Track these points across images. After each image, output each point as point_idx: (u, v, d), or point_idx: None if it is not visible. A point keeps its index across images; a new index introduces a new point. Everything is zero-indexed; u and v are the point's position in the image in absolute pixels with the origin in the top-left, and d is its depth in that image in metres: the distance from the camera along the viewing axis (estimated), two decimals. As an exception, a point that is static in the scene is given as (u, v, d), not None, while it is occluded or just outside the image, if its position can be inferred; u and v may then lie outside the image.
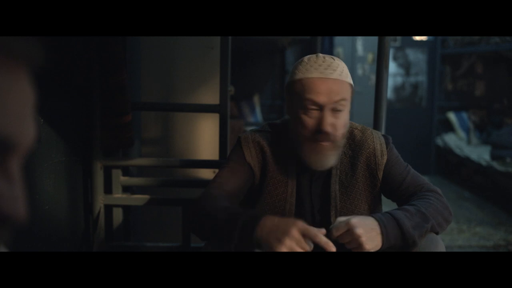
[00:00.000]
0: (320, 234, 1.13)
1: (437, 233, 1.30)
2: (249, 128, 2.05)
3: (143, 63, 2.27)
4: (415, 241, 1.22)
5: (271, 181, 1.38)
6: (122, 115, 1.80)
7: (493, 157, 4.43)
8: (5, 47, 0.39)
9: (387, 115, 1.86)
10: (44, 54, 0.41)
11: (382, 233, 1.20)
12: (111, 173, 1.98)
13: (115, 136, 1.82)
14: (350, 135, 1.43)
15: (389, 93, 5.40)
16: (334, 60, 1.33)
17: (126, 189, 2.04)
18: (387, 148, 1.42)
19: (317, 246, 1.24)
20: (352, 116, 1.42)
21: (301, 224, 1.13)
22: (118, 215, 2.02)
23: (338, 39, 5.12)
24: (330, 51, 5.07)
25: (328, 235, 1.19)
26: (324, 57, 1.33)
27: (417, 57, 5.46)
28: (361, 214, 1.36)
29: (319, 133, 1.28)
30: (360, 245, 1.18)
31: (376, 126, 1.83)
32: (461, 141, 5.26)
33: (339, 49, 5.14)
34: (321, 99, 1.27)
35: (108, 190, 1.98)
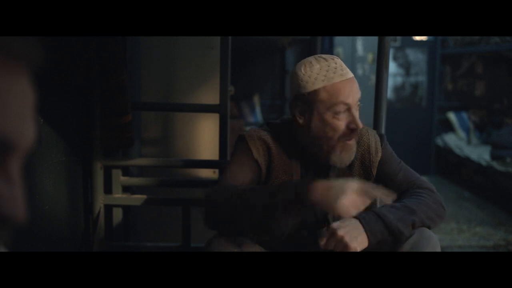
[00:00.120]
0: (374, 189, 1.20)
1: (429, 227, 1.31)
2: (249, 128, 2.05)
3: (143, 63, 2.27)
4: (401, 231, 1.24)
5: (276, 180, 1.38)
6: (122, 115, 1.80)
7: (493, 157, 4.43)
8: (5, 47, 0.39)
9: (387, 115, 1.86)
10: (44, 54, 0.41)
11: (366, 230, 1.22)
12: (111, 173, 1.98)
13: (115, 136, 1.82)
14: None
15: (389, 93, 5.40)
16: (337, 59, 1.36)
17: (126, 189, 2.04)
18: (381, 145, 1.44)
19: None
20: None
21: (355, 183, 1.19)
22: (118, 215, 2.02)
23: (338, 39, 5.12)
24: (330, 51, 5.07)
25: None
26: (332, 59, 1.35)
27: (417, 57, 5.46)
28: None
29: (352, 132, 1.32)
30: (345, 245, 1.19)
31: (376, 126, 1.83)
32: (461, 141, 5.26)
33: (339, 49, 5.14)
34: (350, 99, 1.31)
35: (108, 190, 1.98)
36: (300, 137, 1.38)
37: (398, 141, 5.07)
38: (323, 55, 1.36)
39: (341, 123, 1.31)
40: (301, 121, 1.35)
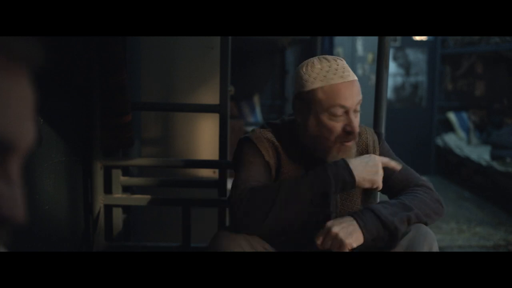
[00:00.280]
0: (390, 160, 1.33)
1: (425, 224, 1.31)
2: (249, 128, 2.05)
3: (143, 63, 2.27)
4: (396, 227, 1.24)
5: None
6: (122, 115, 1.80)
7: (493, 157, 4.43)
8: (5, 47, 0.39)
9: (387, 115, 1.86)
10: (44, 54, 0.41)
11: (360, 226, 1.22)
12: (111, 173, 1.98)
13: (115, 136, 1.82)
14: None
15: (389, 93, 5.40)
16: (342, 61, 1.36)
17: (126, 189, 2.04)
18: (379, 143, 1.46)
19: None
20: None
21: (375, 155, 1.31)
22: (118, 215, 2.02)
23: (338, 39, 5.12)
24: (330, 51, 5.07)
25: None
26: (334, 60, 1.34)
27: (417, 57, 5.45)
28: (354, 207, 1.40)
29: (348, 134, 1.31)
30: (340, 242, 1.20)
31: (376, 126, 1.83)
32: (461, 141, 5.25)
33: (339, 49, 5.14)
34: (348, 102, 1.30)
35: (108, 190, 1.98)
36: (301, 137, 1.39)
37: (398, 141, 5.08)
38: (328, 56, 1.36)
39: (338, 125, 1.31)
40: (299, 119, 1.36)
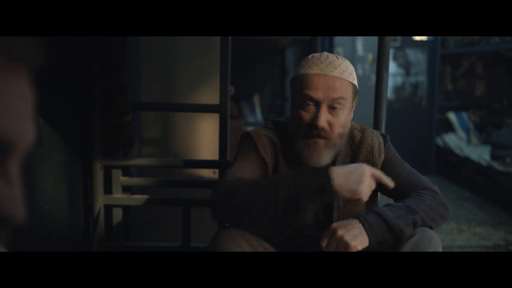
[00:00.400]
0: (383, 174, 1.23)
1: (430, 227, 1.30)
2: (249, 128, 2.05)
3: (143, 63, 2.27)
4: (402, 230, 1.23)
5: None
6: (122, 115, 1.80)
7: (493, 157, 4.43)
8: (5, 47, 0.39)
9: (387, 115, 1.86)
10: (44, 54, 0.41)
11: (365, 228, 1.21)
12: (111, 173, 1.98)
13: (115, 136, 1.82)
14: (351, 136, 1.44)
15: (389, 93, 5.40)
16: (338, 59, 1.34)
17: (126, 189, 2.04)
18: (384, 146, 1.44)
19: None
20: (352, 116, 1.43)
21: (367, 165, 1.22)
22: (118, 215, 2.02)
23: (338, 39, 5.12)
24: (330, 51, 5.07)
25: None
26: (328, 55, 1.34)
27: (417, 57, 5.45)
28: (359, 210, 1.39)
29: (313, 128, 1.29)
30: (346, 244, 1.19)
31: (376, 126, 1.83)
32: (461, 141, 5.25)
33: (339, 49, 5.14)
34: (318, 95, 1.29)
35: (108, 190, 1.98)
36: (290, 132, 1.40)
37: (398, 141, 5.05)
38: (331, 54, 1.37)
39: (307, 116, 1.31)
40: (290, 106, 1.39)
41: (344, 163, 1.41)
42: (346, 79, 1.32)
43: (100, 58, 1.76)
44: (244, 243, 1.22)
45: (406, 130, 5.43)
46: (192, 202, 1.95)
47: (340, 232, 1.19)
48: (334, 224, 1.22)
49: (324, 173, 1.19)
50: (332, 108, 1.30)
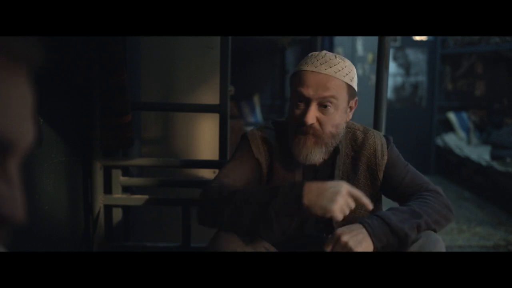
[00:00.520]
0: (363, 195, 1.18)
1: (434, 231, 1.30)
2: (249, 128, 2.05)
3: (143, 63, 2.27)
4: (406, 234, 1.22)
5: (277, 179, 1.38)
6: (122, 115, 1.80)
7: (493, 157, 4.43)
8: (5, 47, 0.39)
9: (387, 115, 1.86)
10: (44, 54, 0.41)
11: (369, 233, 1.20)
12: (111, 173, 1.98)
13: (115, 136, 1.82)
14: (353, 137, 1.43)
15: (389, 93, 5.40)
16: (335, 58, 1.34)
17: (126, 189, 2.04)
18: (387, 148, 1.42)
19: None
20: (352, 116, 1.42)
21: (346, 184, 1.16)
22: (118, 215, 2.02)
23: (338, 39, 5.12)
24: (330, 51, 5.04)
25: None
26: (326, 54, 1.34)
27: (417, 57, 5.45)
28: (363, 214, 1.37)
29: (302, 125, 1.30)
30: (350, 250, 1.18)
31: (376, 126, 1.83)
32: (461, 141, 5.25)
33: (339, 49, 5.14)
34: (308, 92, 1.29)
35: (108, 190, 1.98)
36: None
37: (398, 141, 5.02)
38: (330, 53, 1.37)
39: (298, 112, 1.32)
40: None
41: (345, 164, 1.40)
42: (340, 78, 1.31)
43: (100, 58, 1.76)
44: (244, 243, 1.22)
45: (406, 130, 5.43)
46: (192, 202, 1.95)
47: (345, 238, 1.18)
48: (338, 230, 1.21)
49: (298, 187, 1.16)
50: (323, 106, 1.30)
